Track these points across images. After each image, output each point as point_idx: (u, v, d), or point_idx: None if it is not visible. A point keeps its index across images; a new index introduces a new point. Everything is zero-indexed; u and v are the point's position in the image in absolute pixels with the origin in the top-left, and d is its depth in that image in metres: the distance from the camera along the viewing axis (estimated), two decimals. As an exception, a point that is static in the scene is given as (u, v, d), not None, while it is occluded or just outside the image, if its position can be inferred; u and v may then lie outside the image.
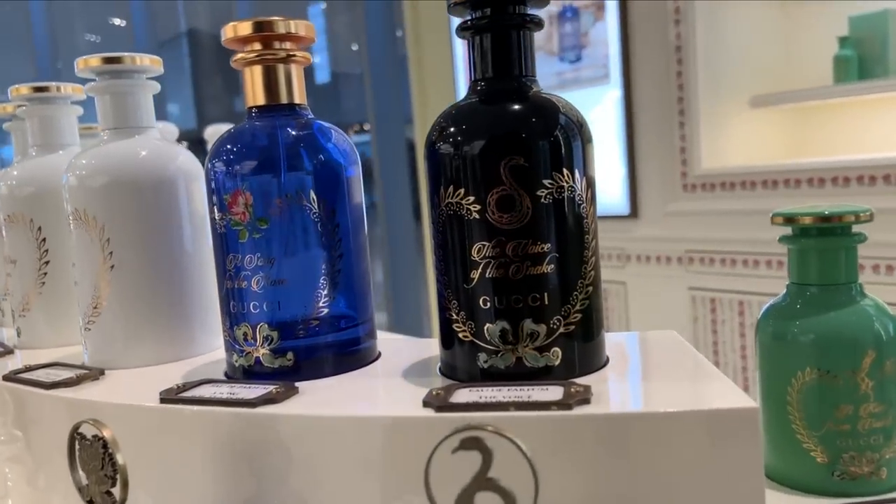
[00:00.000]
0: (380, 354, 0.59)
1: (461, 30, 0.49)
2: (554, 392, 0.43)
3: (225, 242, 0.54)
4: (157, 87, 0.66)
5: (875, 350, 0.46)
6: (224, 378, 0.55)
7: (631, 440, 0.40)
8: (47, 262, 0.74)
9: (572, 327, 0.48)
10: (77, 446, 0.47)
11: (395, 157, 3.69)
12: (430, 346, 0.60)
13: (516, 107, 0.48)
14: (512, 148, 0.46)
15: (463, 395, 0.44)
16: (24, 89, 0.75)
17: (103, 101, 0.64)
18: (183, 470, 0.50)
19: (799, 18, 2.04)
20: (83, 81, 0.67)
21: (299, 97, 0.56)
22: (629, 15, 2.04)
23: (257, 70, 0.55)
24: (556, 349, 0.47)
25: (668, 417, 0.40)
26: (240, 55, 0.55)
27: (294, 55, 0.55)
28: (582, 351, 0.48)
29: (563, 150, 0.47)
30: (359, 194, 0.57)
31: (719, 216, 1.89)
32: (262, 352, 0.53)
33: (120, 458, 0.44)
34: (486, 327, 0.47)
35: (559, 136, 0.47)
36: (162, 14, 5.48)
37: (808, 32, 2.02)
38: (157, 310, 0.62)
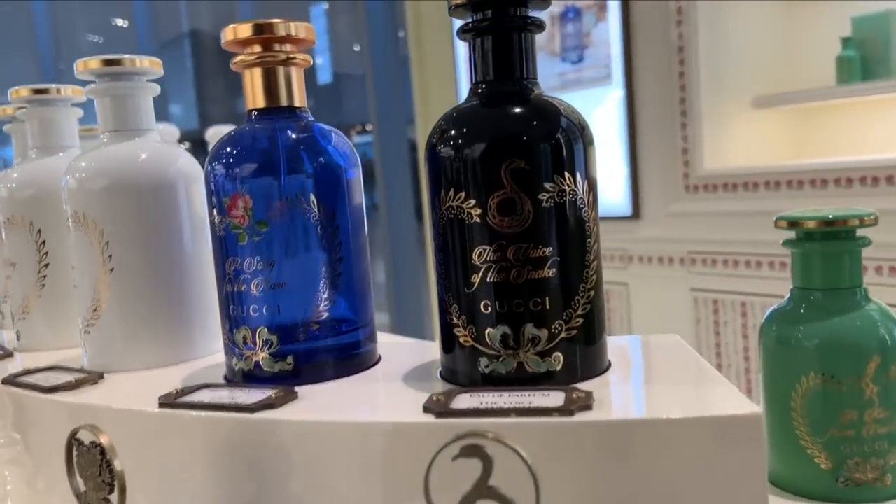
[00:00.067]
0: (380, 358, 0.59)
1: (462, 32, 0.49)
2: (555, 398, 0.43)
3: (224, 246, 0.54)
4: (156, 89, 0.66)
5: (880, 355, 0.46)
6: (224, 382, 0.55)
7: (633, 447, 0.40)
8: (47, 265, 0.74)
9: (574, 332, 0.47)
10: (75, 452, 0.47)
11: (396, 158, 3.69)
12: (431, 350, 0.60)
13: (517, 109, 0.47)
14: (513, 151, 0.46)
15: (463, 400, 0.44)
16: (23, 91, 0.75)
17: (103, 103, 0.64)
18: (182, 476, 0.49)
19: (801, 19, 2.03)
20: (84, 83, 0.67)
21: (299, 100, 0.56)
22: (631, 15, 2.03)
23: (257, 72, 0.54)
24: (558, 354, 0.47)
25: (671, 424, 0.40)
26: (239, 58, 0.54)
27: (294, 57, 0.54)
28: (584, 356, 0.48)
29: (564, 154, 0.46)
30: (359, 197, 0.57)
31: (722, 217, 1.88)
32: (261, 356, 0.53)
33: (118, 465, 0.44)
34: (487, 332, 0.47)
35: (561, 139, 0.46)
36: (164, 15, 5.49)
37: (811, 33, 2.01)
38: (156, 313, 0.62)
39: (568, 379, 0.47)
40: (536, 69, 0.50)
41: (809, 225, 0.47)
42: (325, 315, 0.54)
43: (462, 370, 0.49)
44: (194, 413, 0.48)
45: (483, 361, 0.47)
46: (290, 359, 0.53)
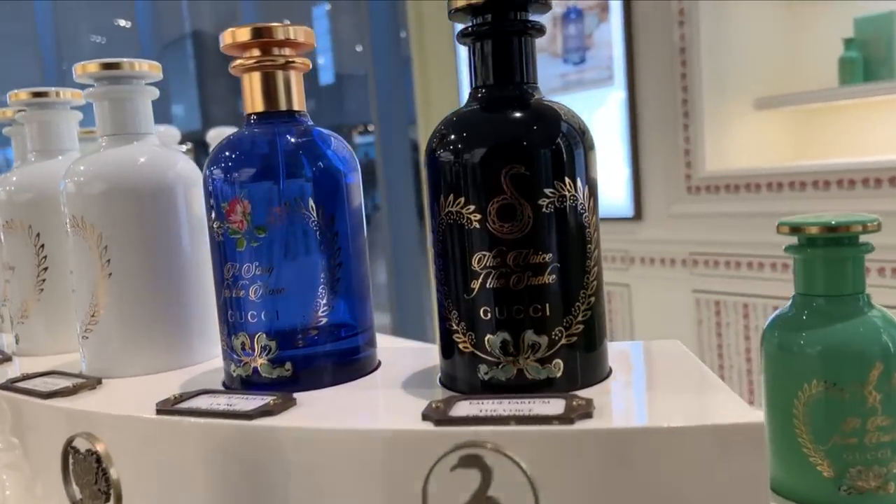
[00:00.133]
0: (380, 363, 0.58)
1: (462, 36, 0.49)
2: (555, 405, 0.43)
3: (223, 251, 0.53)
4: (155, 92, 0.65)
5: (883, 362, 0.46)
6: (222, 388, 0.55)
7: (634, 455, 0.40)
8: (46, 269, 0.73)
9: (574, 338, 0.47)
10: (71, 460, 0.47)
11: (398, 159, 3.68)
12: (431, 355, 0.60)
13: (517, 114, 0.47)
14: (513, 156, 0.45)
15: (463, 407, 0.44)
16: (22, 94, 0.74)
17: (102, 106, 0.63)
18: (179, 483, 0.49)
19: (804, 20, 2.02)
20: (84, 86, 0.66)
21: (298, 104, 0.55)
22: (633, 16, 2.03)
23: (256, 76, 0.54)
24: (558, 361, 0.46)
25: (672, 432, 0.39)
26: (238, 61, 0.54)
27: (293, 61, 0.54)
28: (584, 362, 0.48)
29: (564, 159, 0.46)
30: (358, 201, 0.56)
31: (724, 218, 1.88)
32: (260, 362, 0.53)
33: (114, 473, 0.44)
34: (486, 338, 0.47)
35: (561, 144, 0.46)
36: (166, 15, 5.49)
37: (813, 34, 2.01)
38: (155, 318, 0.62)
39: (568, 386, 0.47)
40: (537, 74, 0.49)
41: (812, 231, 0.47)
42: (324, 321, 0.53)
43: (462, 377, 0.48)
44: (192, 420, 0.48)
45: (483, 368, 0.47)
46: (288, 365, 0.53)
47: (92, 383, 0.58)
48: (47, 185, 0.73)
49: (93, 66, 0.62)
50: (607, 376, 0.49)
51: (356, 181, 0.56)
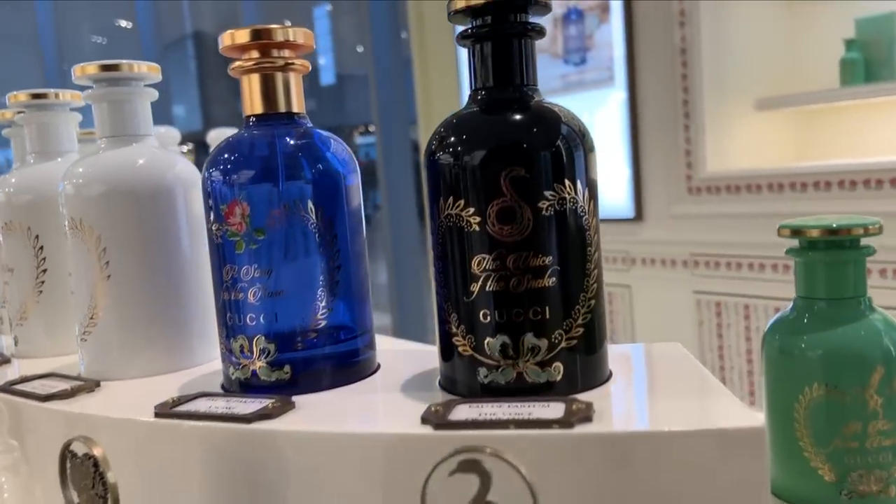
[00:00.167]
0: (379, 366, 0.58)
1: (462, 38, 0.48)
2: (555, 409, 0.42)
3: (221, 253, 0.53)
4: (154, 94, 0.65)
5: (884, 366, 0.45)
6: (221, 391, 0.55)
7: (633, 460, 0.39)
8: (45, 271, 0.73)
9: (574, 342, 0.47)
10: (68, 464, 0.47)
11: (399, 159, 3.69)
12: (431, 357, 0.59)
13: (517, 116, 0.47)
14: (513, 158, 0.45)
15: (462, 411, 0.43)
16: (21, 96, 0.74)
17: (100, 108, 0.63)
18: (177, 486, 0.49)
19: (805, 21, 2.02)
20: (84, 87, 0.66)
21: (298, 105, 0.55)
22: (634, 17, 2.03)
23: (255, 78, 0.54)
24: (558, 364, 0.46)
25: (673, 437, 0.39)
26: (237, 63, 0.54)
27: (292, 63, 0.54)
28: (584, 365, 0.47)
29: (564, 161, 0.46)
30: (358, 203, 0.56)
31: (725, 219, 1.88)
32: (258, 364, 0.52)
33: (111, 477, 0.44)
34: (486, 341, 0.46)
35: (561, 147, 0.46)
36: (167, 16, 5.50)
37: (814, 35, 2.00)
38: (154, 320, 0.62)
39: (568, 389, 0.46)
40: (537, 75, 0.49)
41: (813, 234, 0.47)
42: (323, 323, 0.53)
43: (461, 380, 0.48)
44: (190, 423, 0.48)
45: (482, 371, 0.47)
46: (287, 368, 0.52)
47: (90, 386, 0.58)
48: (46, 186, 0.73)
49: (92, 67, 0.62)
50: (607, 379, 0.49)
51: (356, 183, 0.56)
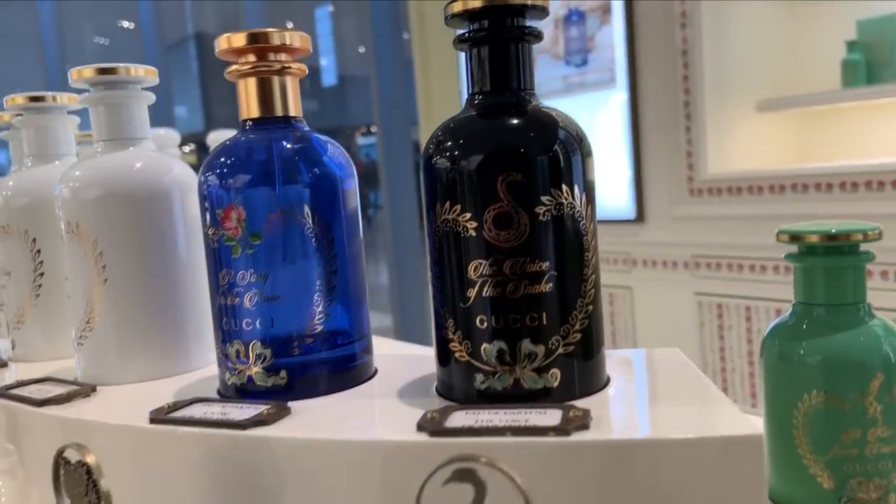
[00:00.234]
0: (376, 371, 0.58)
1: (459, 42, 0.48)
2: (552, 416, 0.42)
3: (217, 258, 0.53)
4: (151, 97, 0.65)
5: (883, 373, 0.45)
6: (217, 396, 0.54)
7: (630, 467, 0.39)
8: (42, 275, 0.73)
9: (572, 348, 0.46)
10: (62, 471, 0.46)
11: (400, 159, 3.68)
12: (429, 362, 0.59)
13: (514, 121, 0.47)
14: (509, 164, 0.45)
15: (458, 418, 0.43)
16: (19, 99, 0.74)
17: (97, 112, 0.63)
18: (171, 493, 0.48)
19: (806, 22, 2.02)
20: (82, 90, 0.66)
21: (294, 109, 0.55)
22: (635, 18, 2.02)
23: (251, 82, 0.54)
24: (555, 370, 0.46)
25: (669, 444, 0.39)
26: (234, 67, 0.54)
27: (289, 67, 0.54)
28: (582, 372, 0.47)
29: (562, 166, 0.45)
30: (355, 207, 0.56)
31: (726, 221, 1.87)
32: (254, 370, 0.52)
33: (104, 485, 0.43)
34: (483, 347, 0.46)
35: (558, 151, 0.46)
36: (170, 17, 5.50)
37: (816, 36, 2.00)
38: (150, 324, 0.61)
39: (565, 395, 0.46)
40: (534, 80, 0.49)
41: (812, 239, 0.46)
42: (320, 328, 0.53)
43: (458, 386, 0.48)
44: (185, 429, 0.47)
45: (479, 377, 0.46)
46: (283, 373, 0.52)
47: (86, 391, 0.58)
48: (44, 190, 0.72)
49: (88, 71, 0.62)
50: (605, 385, 0.49)
51: (353, 187, 0.56)
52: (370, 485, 0.43)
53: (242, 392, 0.53)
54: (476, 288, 0.46)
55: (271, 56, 0.53)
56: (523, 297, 0.45)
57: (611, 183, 2.11)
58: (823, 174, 1.68)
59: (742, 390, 1.89)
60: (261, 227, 0.52)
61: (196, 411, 0.49)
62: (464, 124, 0.48)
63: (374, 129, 3.90)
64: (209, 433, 0.46)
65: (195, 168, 0.64)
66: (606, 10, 2.08)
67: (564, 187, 0.45)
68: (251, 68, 0.53)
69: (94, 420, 0.52)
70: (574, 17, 2.17)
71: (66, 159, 0.76)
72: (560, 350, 0.46)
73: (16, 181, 0.74)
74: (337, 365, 0.54)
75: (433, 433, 0.42)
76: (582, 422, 0.41)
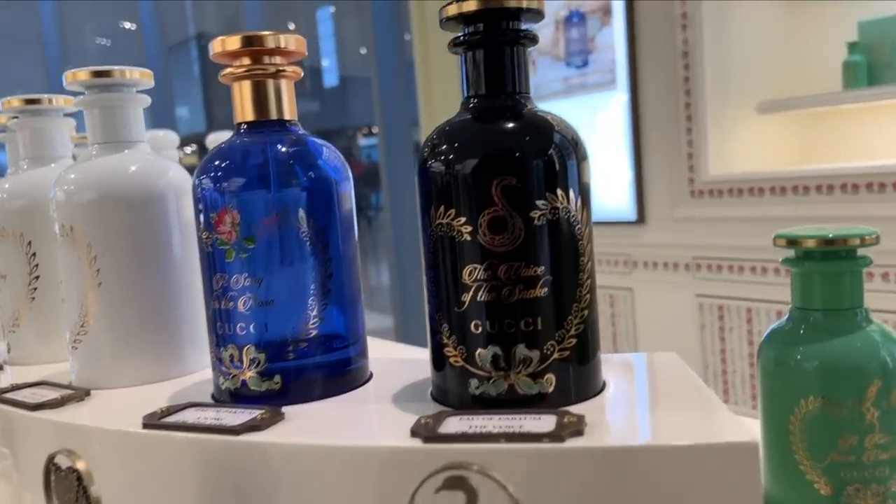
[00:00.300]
0: (371, 375, 0.57)
1: (454, 45, 0.48)
2: (547, 422, 0.42)
3: (211, 262, 0.53)
4: (147, 100, 0.64)
5: (881, 379, 0.45)
6: (211, 401, 0.54)
7: (625, 474, 0.39)
8: (37, 277, 0.73)
9: (567, 353, 0.46)
10: (52, 477, 0.46)
11: (402, 160, 3.68)
12: (425, 366, 0.59)
13: (509, 125, 0.46)
14: (504, 168, 0.44)
15: (452, 423, 0.43)
16: (15, 101, 0.74)
17: (92, 114, 0.63)
18: (164, 499, 0.48)
19: (807, 23, 2.01)
20: (77, 93, 0.66)
21: (290, 112, 0.55)
22: (636, 19, 2.02)
23: (246, 85, 0.53)
24: (550, 375, 0.46)
25: (665, 451, 0.38)
26: (228, 70, 0.53)
27: (284, 70, 0.53)
28: (577, 377, 0.47)
29: (557, 170, 0.45)
30: (350, 210, 0.56)
31: (727, 222, 1.87)
32: (248, 374, 0.52)
33: (94, 491, 0.43)
34: (477, 352, 0.46)
35: (553, 155, 0.45)
36: (171, 18, 5.50)
37: (817, 37, 2.00)
38: (145, 328, 0.61)
39: (561, 401, 0.46)
40: (529, 83, 0.49)
41: (809, 244, 0.46)
42: (315, 332, 0.53)
43: (453, 391, 0.48)
44: (178, 434, 0.47)
45: (473, 383, 0.46)
46: (277, 378, 0.52)
47: (80, 395, 0.57)
48: (39, 192, 0.72)
49: (83, 73, 0.61)
50: (601, 391, 0.49)
51: (348, 190, 0.56)
52: (364, 490, 0.43)
53: (236, 397, 0.53)
54: (471, 293, 0.46)
55: (266, 59, 0.53)
56: (518, 302, 0.45)
57: (611, 184, 2.11)
58: (824, 176, 1.68)
59: (743, 392, 1.88)
60: (255, 230, 0.51)
61: (189, 416, 0.49)
62: (459, 128, 0.48)
63: (375, 130, 3.90)
64: (202, 439, 0.46)
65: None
66: (607, 12, 2.08)
67: (559, 191, 0.45)
68: (245, 71, 0.53)
69: (87, 425, 0.51)
70: (574, 19, 2.16)
71: (62, 162, 0.76)
72: (555, 355, 0.46)
73: (11, 184, 0.74)
74: (332, 369, 0.54)
75: (427, 439, 0.41)
76: (576, 428, 0.40)
